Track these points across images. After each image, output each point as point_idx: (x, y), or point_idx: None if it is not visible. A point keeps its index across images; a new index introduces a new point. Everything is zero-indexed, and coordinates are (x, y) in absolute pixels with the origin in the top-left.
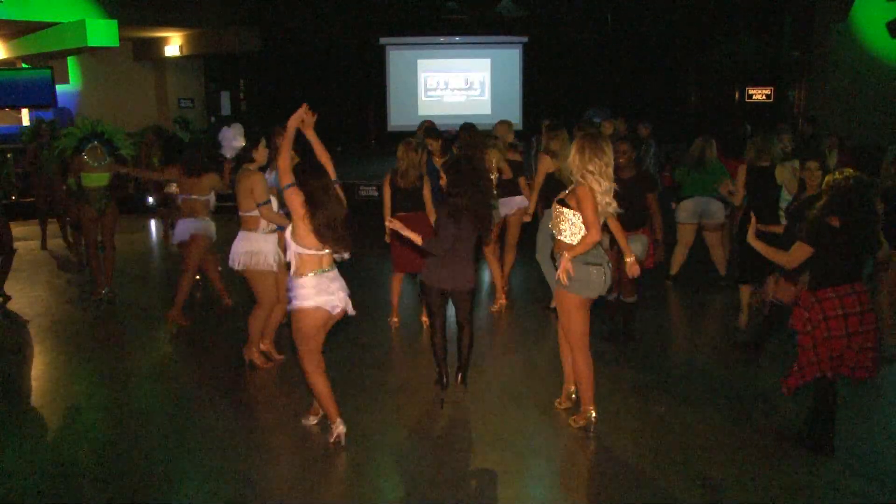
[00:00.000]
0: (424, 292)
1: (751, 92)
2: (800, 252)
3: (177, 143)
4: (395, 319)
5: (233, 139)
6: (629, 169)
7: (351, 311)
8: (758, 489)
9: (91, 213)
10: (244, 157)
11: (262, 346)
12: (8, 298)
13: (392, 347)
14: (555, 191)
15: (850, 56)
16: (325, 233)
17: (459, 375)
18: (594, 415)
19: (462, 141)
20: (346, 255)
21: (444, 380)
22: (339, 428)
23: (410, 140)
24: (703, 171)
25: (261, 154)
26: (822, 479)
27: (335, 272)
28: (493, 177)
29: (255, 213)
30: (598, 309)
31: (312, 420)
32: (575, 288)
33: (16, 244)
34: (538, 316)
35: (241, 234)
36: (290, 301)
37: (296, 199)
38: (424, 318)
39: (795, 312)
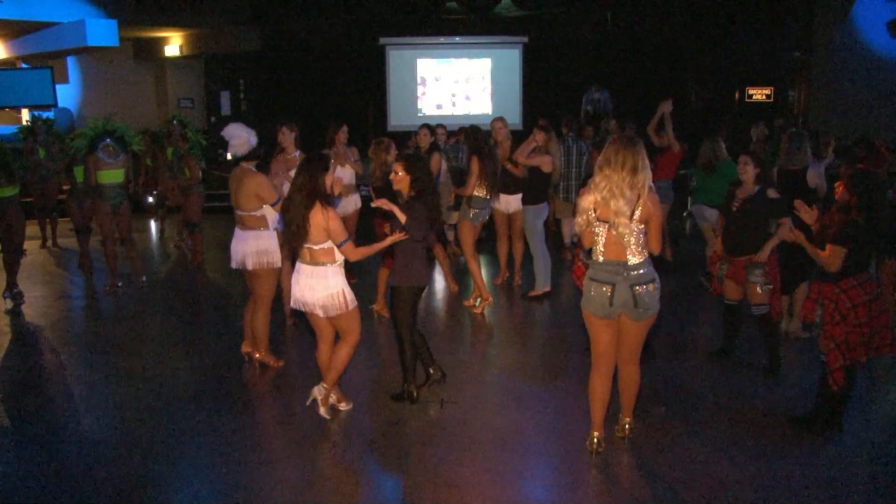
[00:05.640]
0: (403, 297)
1: (751, 92)
2: (838, 254)
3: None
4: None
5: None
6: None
7: (317, 311)
8: (759, 489)
9: (106, 209)
10: (249, 155)
11: (256, 355)
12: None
13: (389, 346)
14: (538, 187)
15: (850, 56)
16: (285, 229)
17: (440, 372)
18: (628, 426)
19: (470, 141)
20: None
21: (416, 393)
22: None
23: (382, 139)
24: (715, 175)
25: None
26: (822, 481)
27: (316, 269)
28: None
29: (262, 212)
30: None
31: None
32: (582, 300)
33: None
34: (537, 315)
35: (249, 234)
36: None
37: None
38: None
39: (808, 306)
